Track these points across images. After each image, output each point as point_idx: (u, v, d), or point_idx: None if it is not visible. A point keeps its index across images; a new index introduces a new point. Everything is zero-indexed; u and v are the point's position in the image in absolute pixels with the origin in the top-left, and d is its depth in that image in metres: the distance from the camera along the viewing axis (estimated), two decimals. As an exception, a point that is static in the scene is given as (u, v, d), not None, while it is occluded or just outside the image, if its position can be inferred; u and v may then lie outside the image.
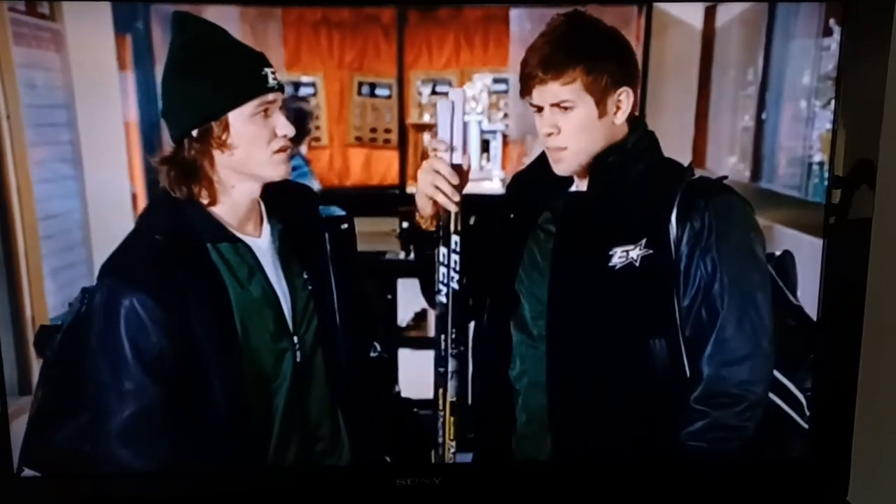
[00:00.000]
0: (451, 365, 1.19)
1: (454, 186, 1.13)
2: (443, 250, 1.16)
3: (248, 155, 1.09)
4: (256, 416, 1.15)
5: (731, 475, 1.22)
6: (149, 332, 1.09)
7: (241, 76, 1.08)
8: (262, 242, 1.15)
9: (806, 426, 1.21)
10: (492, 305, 1.21)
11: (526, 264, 1.19)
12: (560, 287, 1.16)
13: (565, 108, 1.09)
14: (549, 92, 1.09)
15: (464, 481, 1.26)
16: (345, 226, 1.19)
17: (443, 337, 1.18)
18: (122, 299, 1.09)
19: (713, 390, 1.13)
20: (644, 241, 1.12)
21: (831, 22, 1.14)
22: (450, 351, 1.18)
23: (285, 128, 1.09)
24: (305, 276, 1.17)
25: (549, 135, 1.11)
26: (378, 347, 1.23)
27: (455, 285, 1.16)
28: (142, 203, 1.17)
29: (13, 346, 1.17)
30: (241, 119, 1.08)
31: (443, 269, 1.16)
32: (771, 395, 1.18)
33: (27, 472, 1.17)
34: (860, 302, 1.19)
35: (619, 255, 1.12)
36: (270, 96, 1.08)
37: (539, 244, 1.18)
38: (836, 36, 1.14)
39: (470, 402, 1.25)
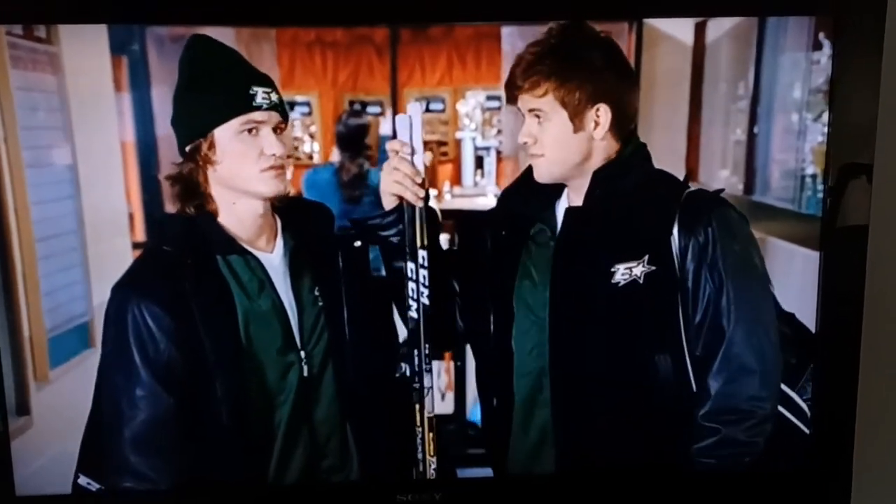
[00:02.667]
0: (427, 381, 1.19)
1: (417, 182, 1.14)
2: (411, 265, 1.16)
3: (235, 172, 1.11)
4: (259, 427, 1.16)
5: (733, 484, 1.21)
6: (157, 339, 1.11)
7: (226, 95, 1.09)
8: (273, 257, 1.16)
9: (807, 430, 1.21)
10: (493, 322, 1.20)
11: (519, 277, 1.19)
12: (562, 304, 1.16)
13: (539, 119, 1.10)
14: (525, 99, 1.11)
15: (465, 497, 1.25)
16: (357, 243, 1.19)
17: (416, 353, 1.18)
18: (131, 307, 1.10)
19: (723, 406, 1.13)
20: (647, 257, 1.12)
21: (821, 36, 1.15)
22: (424, 367, 1.18)
23: (273, 147, 1.10)
24: (317, 293, 1.18)
25: (525, 142, 1.12)
26: (404, 368, 1.21)
27: (425, 300, 1.17)
28: (138, 222, 1.19)
29: (11, 366, 1.18)
30: (226, 136, 1.09)
31: (412, 285, 1.17)
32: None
33: (82, 478, 1.18)
34: (858, 311, 1.19)
35: (623, 273, 1.12)
36: (258, 115, 1.09)
37: (531, 256, 1.18)
38: (826, 50, 1.15)
39: (477, 418, 1.26)
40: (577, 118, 1.10)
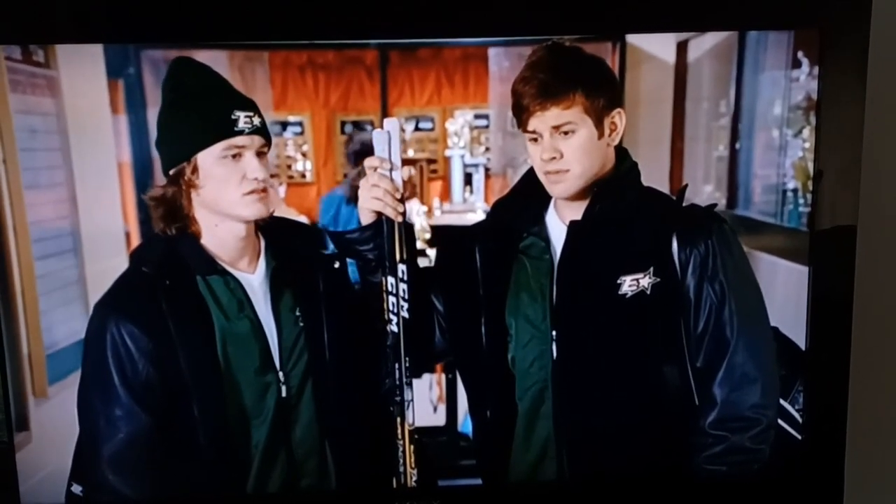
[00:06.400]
0: (407, 394, 1.20)
1: (396, 198, 1.14)
2: (391, 279, 1.17)
3: (218, 195, 1.11)
4: (237, 447, 1.16)
5: (729, 492, 1.22)
6: (135, 359, 1.11)
7: (209, 120, 1.10)
8: (254, 278, 1.17)
9: (799, 438, 1.23)
10: (485, 336, 1.21)
11: (513, 290, 1.19)
12: (567, 316, 1.17)
13: (566, 133, 1.11)
14: (549, 117, 1.10)
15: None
16: (336, 264, 1.20)
17: (396, 366, 1.19)
18: (109, 327, 1.11)
19: (729, 414, 1.15)
20: (651, 269, 1.14)
21: (800, 54, 1.18)
22: (405, 380, 1.19)
23: (256, 171, 1.10)
24: (298, 313, 1.18)
25: (552, 159, 1.12)
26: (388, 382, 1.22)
27: (405, 314, 1.18)
28: (135, 241, 1.20)
29: (11, 383, 1.19)
30: (209, 161, 1.10)
31: (392, 299, 1.18)
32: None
33: (75, 486, 1.19)
34: (847, 321, 1.22)
35: (630, 284, 1.14)
36: (240, 140, 1.09)
37: (526, 269, 1.19)
38: (805, 67, 1.17)
39: (469, 429, 1.27)
40: (600, 125, 1.12)
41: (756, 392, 1.15)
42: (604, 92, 1.11)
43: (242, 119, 1.09)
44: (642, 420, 1.18)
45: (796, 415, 1.23)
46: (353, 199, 1.22)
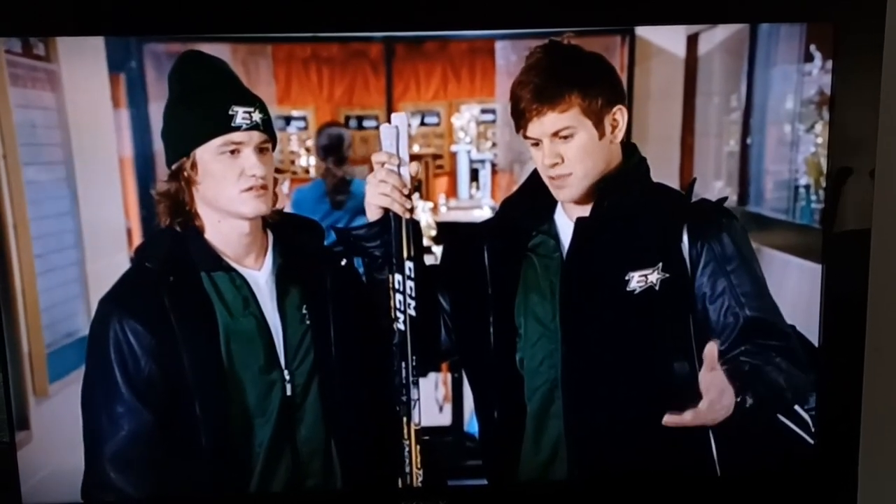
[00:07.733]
0: (413, 393, 1.19)
1: (404, 194, 1.14)
2: (398, 277, 1.16)
3: (216, 192, 1.10)
4: (241, 446, 1.16)
5: (741, 495, 1.23)
6: (138, 356, 1.11)
7: (206, 115, 1.09)
8: (260, 275, 1.16)
9: (811, 441, 1.21)
10: (493, 336, 1.19)
11: (523, 289, 1.19)
12: (576, 314, 1.16)
13: (565, 137, 1.10)
14: (546, 123, 1.09)
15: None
16: (343, 262, 1.19)
17: (403, 365, 1.18)
18: (112, 323, 1.11)
19: (757, 327, 1.13)
20: (661, 264, 1.13)
21: (812, 47, 1.16)
22: (411, 379, 1.18)
23: (254, 168, 1.09)
24: (304, 311, 1.17)
25: (554, 164, 1.11)
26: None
27: (412, 312, 1.17)
28: (137, 237, 1.19)
29: (12, 381, 1.18)
30: (206, 156, 1.09)
31: (399, 296, 1.17)
32: (780, 417, 1.19)
33: None
34: (861, 317, 1.20)
35: (638, 280, 1.13)
36: (237, 136, 1.08)
37: (535, 267, 1.18)
38: (818, 61, 1.16)
39: (475, 429, 1.26)
40: (600, 125, 1.10)
41: (775, 319, 1.14)
42: (602, 91, 1.10)
43: (240, 114, 1.08)
44: (653, 416, 1.16)
45: (807, 417, 1.21)
46: (337, 203, 1.24)
